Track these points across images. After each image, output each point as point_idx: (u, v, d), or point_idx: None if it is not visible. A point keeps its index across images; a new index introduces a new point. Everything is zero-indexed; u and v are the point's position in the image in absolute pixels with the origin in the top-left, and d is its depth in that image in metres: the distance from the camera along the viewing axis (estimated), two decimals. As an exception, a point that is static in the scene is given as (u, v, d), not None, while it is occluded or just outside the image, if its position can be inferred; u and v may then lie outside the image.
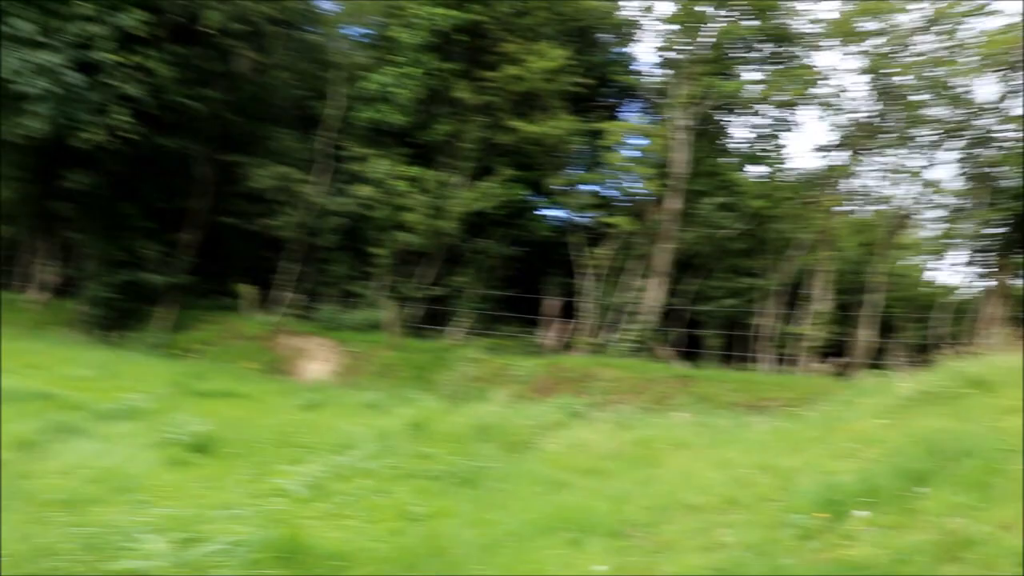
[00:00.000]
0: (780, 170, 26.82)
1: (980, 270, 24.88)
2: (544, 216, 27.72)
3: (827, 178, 25.89)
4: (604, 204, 26.41)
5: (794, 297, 25.42)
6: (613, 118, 27.08)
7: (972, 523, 5.48)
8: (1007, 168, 22.09)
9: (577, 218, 26.63)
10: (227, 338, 23.82)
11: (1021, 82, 21.63)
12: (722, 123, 28.02)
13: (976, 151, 23.25)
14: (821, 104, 25.62)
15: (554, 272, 26.69)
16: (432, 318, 25.62)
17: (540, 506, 7.16)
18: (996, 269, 22.93)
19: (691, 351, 25.33)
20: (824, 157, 26.39)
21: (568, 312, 25.79)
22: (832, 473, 7.24)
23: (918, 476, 6.66)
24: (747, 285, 25.57)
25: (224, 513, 6.67)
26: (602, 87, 28.08)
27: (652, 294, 25.19)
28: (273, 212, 25.08)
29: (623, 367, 22.08)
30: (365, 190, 24.58)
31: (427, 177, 24.71)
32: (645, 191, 24.94)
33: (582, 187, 26.95)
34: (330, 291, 26.05)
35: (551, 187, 26.41)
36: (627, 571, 5.82)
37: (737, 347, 25.17)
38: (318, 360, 23.02)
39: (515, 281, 27.05)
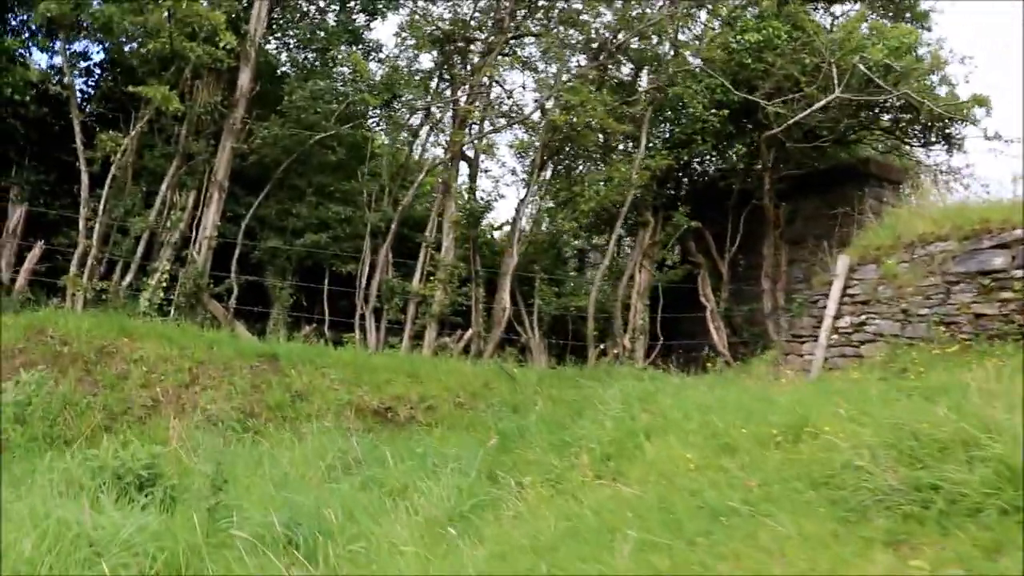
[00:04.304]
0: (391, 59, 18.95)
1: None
2: (21, 74, 15.94)
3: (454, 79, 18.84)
4: (130, 62, 16.32)
5: (408, 241, 18.06)
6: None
7: None
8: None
9: (79, 81, 16.16)
10: None
11: None
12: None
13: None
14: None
15: (27, 165, 15.98)
16: None
17: None
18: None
19: (256, 311, 16.88)
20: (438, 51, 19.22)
21: (50, 233, 15.54)
22: None
23: None
24: (340, 216, 17.60)
25: None
26: None
27: (204, 218, 16.11)
28: None
29: (163, 337, 12.90)
30: None
31: None
32: (205, 53, 15.21)
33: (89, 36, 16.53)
34: None
35: (33, 25, 15.71)
36: None
37: (322, 307, 17.22)
38: None
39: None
